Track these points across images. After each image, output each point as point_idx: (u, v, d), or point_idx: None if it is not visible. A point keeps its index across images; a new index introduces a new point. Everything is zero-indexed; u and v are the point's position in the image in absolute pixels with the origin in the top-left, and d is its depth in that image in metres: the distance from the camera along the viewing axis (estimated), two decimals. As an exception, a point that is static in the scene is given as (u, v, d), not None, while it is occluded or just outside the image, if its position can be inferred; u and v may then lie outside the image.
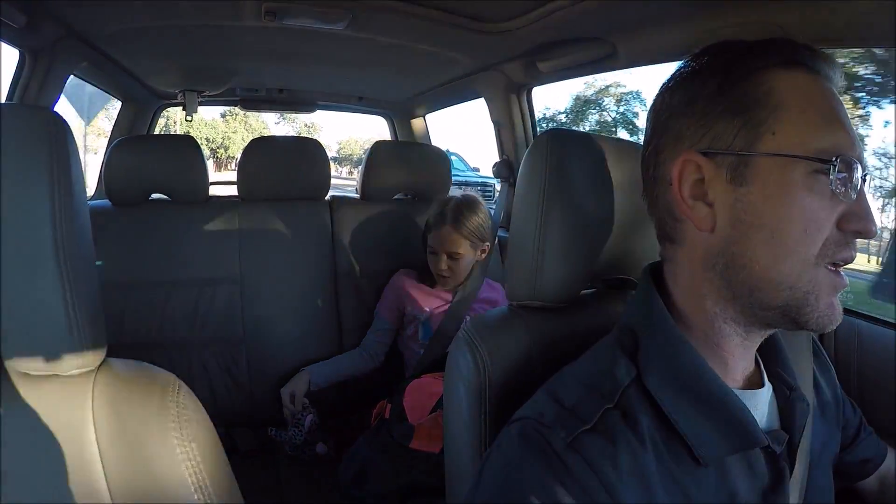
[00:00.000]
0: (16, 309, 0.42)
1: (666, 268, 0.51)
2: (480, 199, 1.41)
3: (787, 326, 0.45)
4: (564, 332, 0.61)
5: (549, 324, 0.62)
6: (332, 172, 1.63)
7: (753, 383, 0.50)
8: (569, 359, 0.52)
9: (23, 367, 0.45)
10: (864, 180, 0.43)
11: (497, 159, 1.76)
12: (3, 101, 1.27)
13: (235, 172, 1.56)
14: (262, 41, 1.35)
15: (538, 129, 1.70)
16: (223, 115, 24.16)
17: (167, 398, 0.47)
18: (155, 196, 1.43)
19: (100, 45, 1.36)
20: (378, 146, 1.57)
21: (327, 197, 1.59)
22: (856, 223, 0.42)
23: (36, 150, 0.42)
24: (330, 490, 1.18)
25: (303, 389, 1.32)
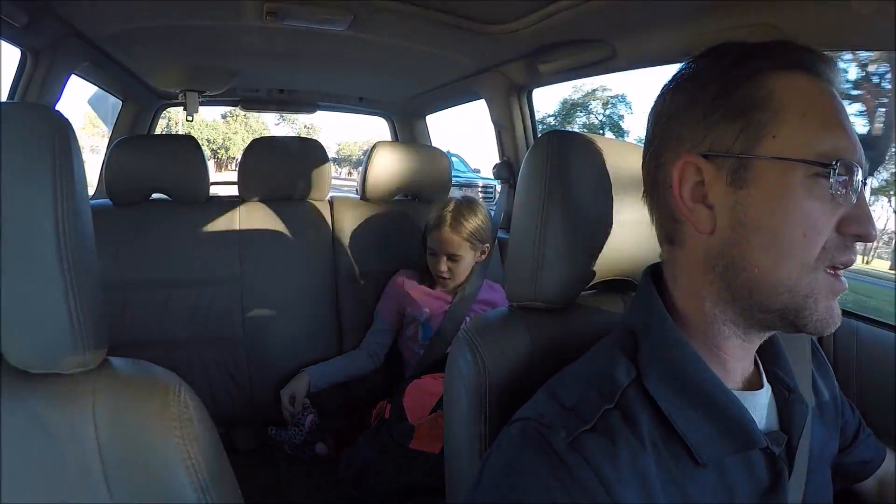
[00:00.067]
0: (17, 307, 0.42)
1: (666, 269, 0.51)
2: (480, 200, 1.41)
3: (786, 329, 0.45)
4: (564, 333, 0.61)
5: (549, 325, 0.62)
6: (332, 173, 1.63)
7: (753, 384, 0.50)
8: (569, 360, 0.52)
9: (23, 365, 0.45)
10: (864, 184, 0.43)
11: (497, 161, 1.77)
12: (4, 100, 1.27)
13: (236, 173, 1.56)
14: (263, 41, 1.35)
15: (538, 131, 1.70)
16: (224, 117, 24.33)
17: (168, 397, 0.47)
18: (155, 196, 1.43)
19: (101, 44, 1.36)
20: (379, 147, 1.57)
21: (328, 197, 1.59)
22: (856, 227, 0.42)
23: (39, 148, 0.42)
24: (330, 490, 1.18)
25: (303, 391, 1.32)
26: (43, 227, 0.42)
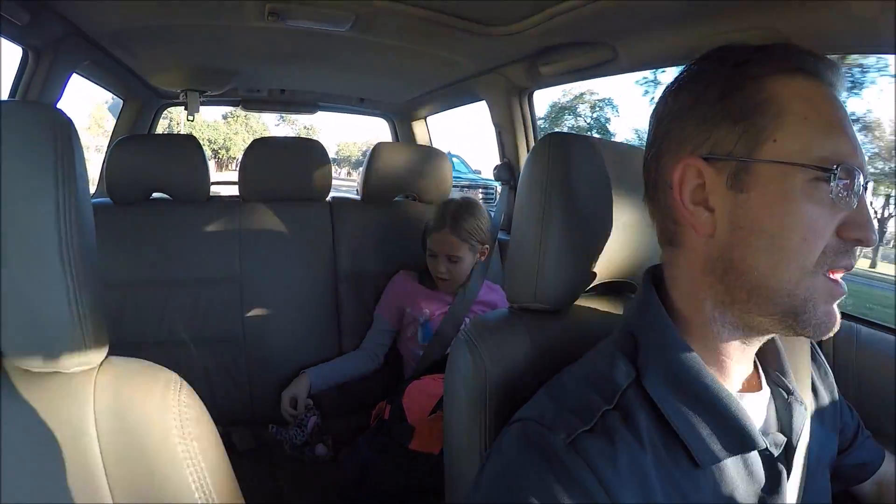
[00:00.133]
0: (19, 305, 0.42)
1: (666, 271, 0.51)
2: (480, 201, 1.41)
3: (785, 332, 0.45)
4: (564, 335, 0.61)
5: (549, 326, 0.62)
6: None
7: (752, 387, 0.50)
8: (569, 361, 0.52)
9: (24, 364, 0.45)
10: (865, 188, 0.43)
11: (498, 162, 1.77)
12: (6, 98, 1.27)
13: (236, 172, 1.56)
14: (265, 42, 1.36)
15: (538, 133, 1.70)
16: (225, 117, 24.46)
17: (169, 396, 0.47)
18: (156, 195, 1.43)
19: (103, 43, 1.36)
20: (379, 148, 1.57)
21: (328, 198, 1.60)
22: (856, 231, 0.42)
23: (40, 147, 0.42)
24: (329, 491, 1.18)
25: (304, 392, 1.32)
26: (45, 226, 0.42)
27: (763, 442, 0.45)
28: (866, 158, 0.44)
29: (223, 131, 24.43)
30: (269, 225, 1.47)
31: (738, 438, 0.44)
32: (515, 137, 1.67)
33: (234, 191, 1.58)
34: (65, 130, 0.43)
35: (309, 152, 1.54)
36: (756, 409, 0.49)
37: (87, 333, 0.44)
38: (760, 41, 0.46)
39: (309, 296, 1.47)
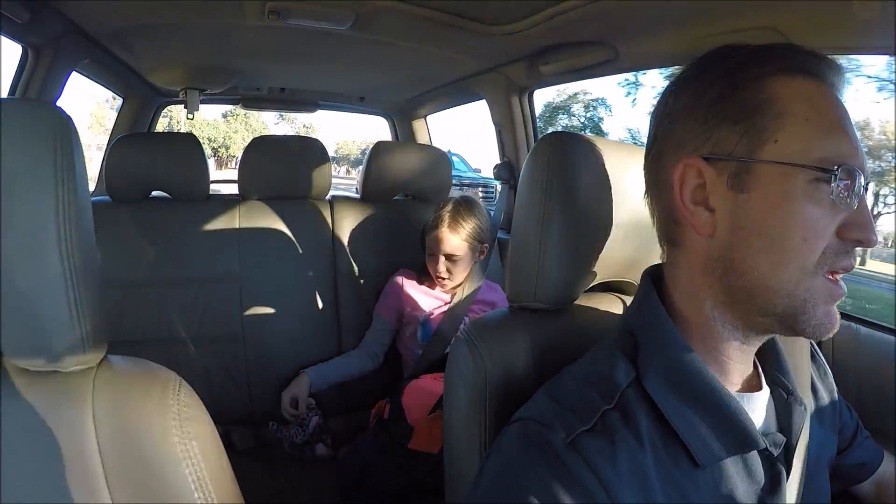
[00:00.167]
0: (17, 304, 0.42)
1: (666, 271, 0.51)
2: (478, 200, 1.41)
3: (785, 332, 0.45)
4: (564, 334, 0.61)
5: (549, 325, 0.62)
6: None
7: (752, 386, 0.50)
8: (569, 360, 0.52)
9: (23, 363, 0.45)
10: (865, 189, 0.43)
11: (498, 161, 1.77)
12: (5, 96, 1.27)
13: (236, 170, 1.56)
14: (265, 40, 1.35)
15: (538, 133, 1.70)
16: (224, 116, 24.63)
17: (168, 396, 0.47)
18: (155, 193, 1.43)
19: (103, 41, 1.36)
20: (379, 147, 1.57)
21: (328, 197, 1.59)
22: (856, 232, 0.42)
23: (40, 145, 0.42)
24: (328, 490, 1.18)
25: (304, 393, 1.31)
26: (44, 224, 0.42)
27: (763, 442, 0.45)
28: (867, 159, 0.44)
29: (223, 130, 24.52)
30: (269, 223, 1.47)
31: (738, 438, 0.45)
32: (515, 136, 1.67)
33: (234, 189, 1.58)
34: (64, 128, 0.43)
35: (309, 151, 1.54)
36: (756, 408, 0.49)
37: (85, 333, 0.44)
38: (761, 41, 0.46)
39: (308, 294, 1.47)
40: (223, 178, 2.96)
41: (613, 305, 0.68)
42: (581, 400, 0.45)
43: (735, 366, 0.48)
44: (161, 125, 2.43)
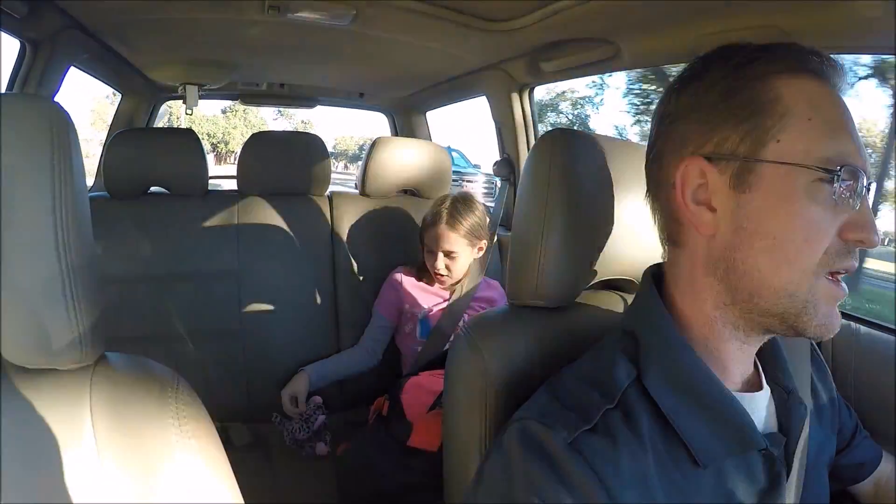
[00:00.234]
0: (14, 301, 0.42)
1: (667, 270, 0.51)
2: (477, 196, 1.40)
3: (786, 333, 0.45)
4: (565, 333, 0.61)
5: (550, 324, 0.62)
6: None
7: (752, 386, 0.50)
8: (569, 359, 0.52)
9: (20, 361, 0.44)
10: (868, 189, 0.42)
11: (498, 157, 1.76)
12: (3, 91, 1.26)
13: (235, 166, 1.56)
14: (265, 35, 1.35)
15: (538, 130, 1.70)
16: (224, 111, 24.66)
17: (166, 394, 0.47)
18: (154, 189, 1.43)
19: (101, 36, 1.35)
20: (379, 142, 1.56)
21: (327, 192, 1.59)
22: (858, 233, 0.42)
23: (37, 140, 0.41)
24: (327, 487, 1.18)
25: (304, 390, 1.31)
26: (41, 220, 0.41)
27: (763, 442, 0.45)
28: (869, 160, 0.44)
29: (222, 125, 24.55)
30: (268, 219, 1.47)
31: (739, 438, 0.45)
32: (515, 133, 1.66)
33: (233, 185, 1.57)
34: (62, 123, 0.43)
35: (308, 146, 1.54)
36: (756, 408, 0.49)
37: (84, 330, 0.44)
38: (763, 39, 0.46)
39: (307, 290, 1.46)
40: (222, 174, 2.95)
41: (615, 304, 0.68)
42: (582, 399, 0.45)
43: (736, 365, 0.48)
44: (161, 121, 2.43)
